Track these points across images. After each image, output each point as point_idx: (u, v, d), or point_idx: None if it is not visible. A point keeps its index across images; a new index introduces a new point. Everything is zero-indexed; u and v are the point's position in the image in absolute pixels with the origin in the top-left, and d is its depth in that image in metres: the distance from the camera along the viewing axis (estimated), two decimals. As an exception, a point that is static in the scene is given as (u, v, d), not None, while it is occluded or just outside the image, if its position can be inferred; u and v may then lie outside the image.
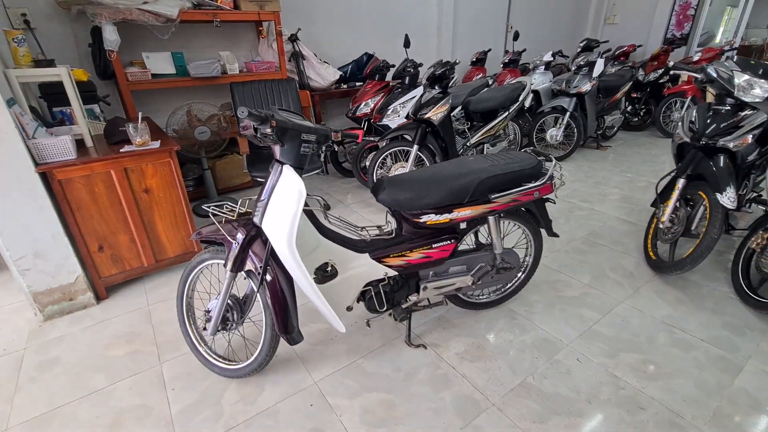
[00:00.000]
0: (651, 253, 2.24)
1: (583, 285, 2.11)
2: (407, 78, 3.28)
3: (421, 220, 1.48)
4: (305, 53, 3.60)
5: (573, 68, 4.03)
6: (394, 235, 1.57)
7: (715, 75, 1.96)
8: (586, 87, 3.80)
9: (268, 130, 1.17)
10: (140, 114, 2.05)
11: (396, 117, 3.18)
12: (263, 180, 1.36)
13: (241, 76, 3.08)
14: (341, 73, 3.86)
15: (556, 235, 1.80)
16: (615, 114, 4.41)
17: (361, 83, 3.84)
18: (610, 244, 2.52)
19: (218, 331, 1.47)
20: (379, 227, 1.61)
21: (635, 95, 4.99)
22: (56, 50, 2.62)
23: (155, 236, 2.12)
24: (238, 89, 2.89)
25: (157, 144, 2.01)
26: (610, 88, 4.20)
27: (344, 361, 1.64)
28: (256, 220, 1.34)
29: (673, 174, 2.19)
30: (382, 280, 1.55)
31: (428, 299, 1.72)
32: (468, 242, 1.79)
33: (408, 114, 3.07)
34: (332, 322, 1.44)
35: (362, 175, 3.31)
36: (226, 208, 1.44)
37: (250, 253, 1.37)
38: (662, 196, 2.23)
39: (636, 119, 5.15)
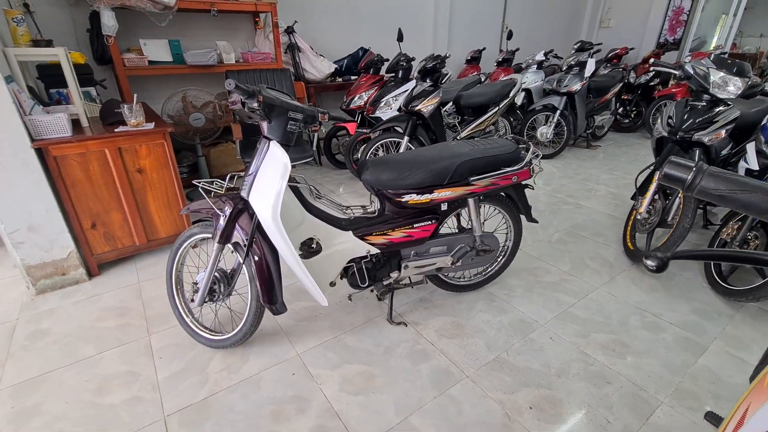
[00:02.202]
0: (629, 244, 2.31)
1: (562, 272, 2.18)
2: (400, 72, 3.35)
3: (403, 200, 1.55)
4: (301, 45, 3.66)
5: (564, 68, 4.11)
6: (377, 214, 1.63)
7: (692, 72, 2.04)
8: (576, 86, 3.88)
9: (255, 105, 1.23)
10: (135, 96, 2.10)
11: (388, 109, 3.25)
12: (252, 160, 1.41)
13: (237, 66, 3.13)
14: (336, 66, 3.92)
15: (535, 221, 1.87)
16: (605, 114, 4.50)
17: (356, 77, 3.91)
18: (592, 236, 2.59)
19: (205, 302, 1.53)
20: (363, 207, 1.67)
21: (626, 97, 5.08)
22: (54, 34, 2.66)
23: (148, 216, 2.17)
24: (234, 77, 2.94)
25: (151, 125, 2.07)
26: (600, 88, 4.28)
27: (327, 336, 1.70)
28: (243, 193, 1.40)
29: (651, 167, 2.27)
30: (365, 257, 1.61)
31: (409, 278, 1.78)
32: (450, 226, 1.86)
33: (400, 107, 3.14)
34: (315, 296, 1.50)
35: (355, 167, 3.37)
36: (216, 184, 1.50)
37: (237, 226, 1.43)
38: (641, 189, 2.31)
39: (627, 121, 5.24)
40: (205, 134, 3.04)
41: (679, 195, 2.10)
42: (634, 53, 6.04)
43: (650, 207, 2.21)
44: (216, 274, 1.52)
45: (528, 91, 4.45)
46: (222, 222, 1.42)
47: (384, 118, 3.20)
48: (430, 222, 1.63)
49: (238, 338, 1.55)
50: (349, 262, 1.59)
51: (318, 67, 3.74)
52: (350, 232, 1.57)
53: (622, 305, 1.91)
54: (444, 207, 1.65)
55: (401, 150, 3.00)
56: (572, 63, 3.98)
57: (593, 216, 2.88)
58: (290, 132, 1.34)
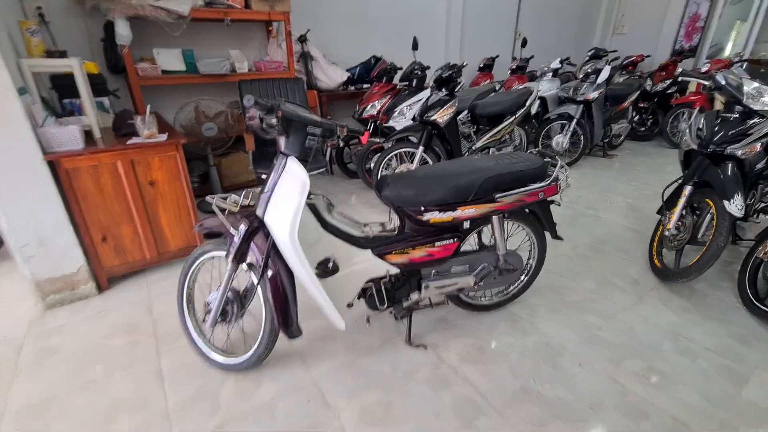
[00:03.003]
0: (656, 261, 2.21)
1: (587, 290, 2.08)
2: (414, 80, 3.29)
3: (425, 218, 1.47)
4: (314, 54, 3.63)
5: (580, 76, 4.03)
6: (397, 232, 1.55)
7: (723, 82, 1.95)
8: (593, 95, 3.79)
9: (274, 121, 1.17)
10: (149, 107, 2.06)
11: (402, 119, 3.19)
12: (268, 177, 1.35)
13: (250, 75, 3.11)
14: (349, 74, 3.88)
15: (560, 238, 1.78)
16: (622, 123, 4.40)
17: (369, 85, 3.86)
18: (614, 250, 2.49)
19: (217, 323, 1.47)
20: (382, 224, 1.60)
21: (643, 105, 4.97)
22: (69, 44, 2.65)
23: (159, 229, 2.13)
24: (247, 87, 2.90)
25: (164, 137, 2.03)
26: (617, 96, 4.18)
27: (343, 358, 1.63)
28: (259, 212, 1.34)
29: (679, 181, 2.17)
30: (384, 277, 1.53)
31: (430, 298, 1.70)
32: (471, 243, 1.78)
33: (414, 116, 3.07)
34: (332, 318, 1.43)
35: (367, 176, 3.31)
36: (230, 200, 1.44)
37: (252, 245, 1.37)
38: (668, 204, 2.21)
39: (643, 129, 5.13)
40: (217, 144, 3.00)
41: (711, 211, 2.00)
42: (649, 60, 5.93)
43: (679, 223, 2.11)
44: (229, 294, 1.46)
45: (543, 100, 4.36)
46: (237, 240, 1.36)
47: (398, 128, 3.14)
48: (451, 240, 1.55)
49: (252, 362, 1.49)
50: (367, 282, 1.52)
51: (330, 75, 3.70)
52: (369, 251, 1.50)
53: (653, 328, 1.81)
54: (466, 225, 1.58)
55: (415, 160, 2.93)
56: (589, 71, 3.90)
57: (613, 229, 2.78)
58: (308, 148, 1.28)
